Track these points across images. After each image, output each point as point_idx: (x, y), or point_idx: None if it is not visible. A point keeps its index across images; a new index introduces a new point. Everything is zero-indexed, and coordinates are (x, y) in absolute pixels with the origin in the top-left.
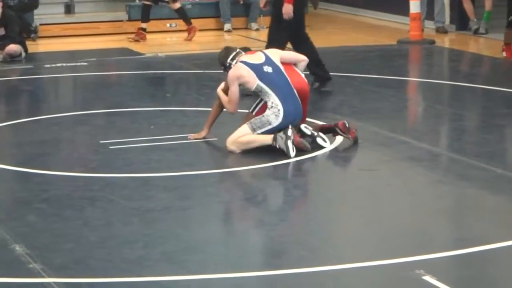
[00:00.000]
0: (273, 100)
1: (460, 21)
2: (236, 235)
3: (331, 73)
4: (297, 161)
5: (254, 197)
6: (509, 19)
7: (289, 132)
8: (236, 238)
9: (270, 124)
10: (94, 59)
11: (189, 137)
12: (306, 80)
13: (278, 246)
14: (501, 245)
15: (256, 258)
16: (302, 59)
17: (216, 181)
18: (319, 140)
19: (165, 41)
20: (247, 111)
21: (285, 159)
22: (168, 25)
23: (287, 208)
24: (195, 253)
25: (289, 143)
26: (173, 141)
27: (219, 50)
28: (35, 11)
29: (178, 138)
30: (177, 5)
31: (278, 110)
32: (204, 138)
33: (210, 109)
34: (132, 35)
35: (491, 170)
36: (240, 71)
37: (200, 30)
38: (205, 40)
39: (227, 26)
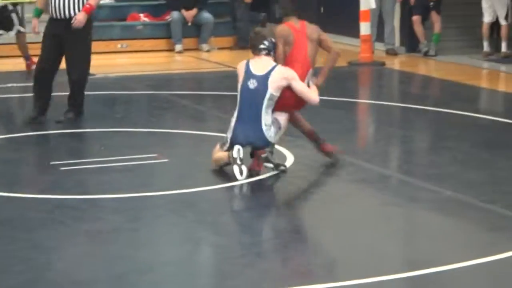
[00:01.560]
0: (235, 113)
1: (410, 43)
2: (185, 257)
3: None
4: (249, 182)
5: (204, 219)
6: None
7: (235, 154)
8: (186, 260)
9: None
10: None
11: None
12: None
13: (228, 268)
14: (451, 267)
15: (206, 280)
16: (312, 99)
17: (166, 202)
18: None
19: (116, 61)
20: None
21: (235, 181)
22: (119, 45)
23: (237, 230)
24: (146, 274)
25: (235, 167)
26: (124, 163)
27: (170, 71)
28: None
29: (129, 160)
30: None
31: (231, 125)
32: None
33: (161, 130)
34: None
35: (441, 192)
36: (242, 65)
37: (152, 51)
38: (156, 61)
39: (178, 47)
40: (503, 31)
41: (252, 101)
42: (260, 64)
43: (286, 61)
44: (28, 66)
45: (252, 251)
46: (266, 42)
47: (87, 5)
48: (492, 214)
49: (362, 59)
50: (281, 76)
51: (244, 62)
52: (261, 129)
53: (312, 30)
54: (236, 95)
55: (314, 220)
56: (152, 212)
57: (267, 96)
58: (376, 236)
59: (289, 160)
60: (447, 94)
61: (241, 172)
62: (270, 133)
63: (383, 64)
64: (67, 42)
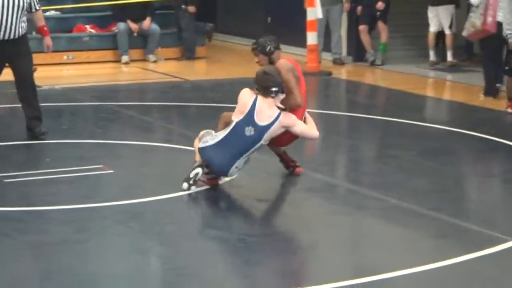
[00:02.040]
0: (217, 138)
1: (357, 52)
2: (132, 267)
3: (228, 105)
4: (195, 192)
5: (149, 230)
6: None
7: (192, 174)
8: (132, 271)
9: (206, 142)
10: None
11: None
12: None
13: (173, 278)
14: (397, 274)
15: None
16: (312, 136)
17: (113, 213)
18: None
19: (62, 73)
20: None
21: (181, 192)
22: (65, 57)
23: (182, 240)
24: (92, 286)
25: (184, 184)
26: (70, 174)
27: (116, 82)
28: None
29: (75, 171)
30: None
31: (208, 144)
32: None
33: (107, 141)
34: None
35: (387, 200)
36: (247, 93)
37: (98, 62)
38: (103, 72)
39: (124, 58)
40: (448, 41)
41: (239, 144)
42: (266, 110)
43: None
44: None
45: (198, 261)
46: (276, 86)
47: (45, 28)
48: (437, 222)
49: (309, 68)
50: (281, 126)
51: (252, 96)
52: (229, 168)
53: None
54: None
55: (260, 230)
56: (99, 223)
57: (257, 146)
58: (322, 244)
59: None
60: (393, 103)
61: (188, 189)
62: (233, 173)
63: (330, 73)
64: (16, 60)
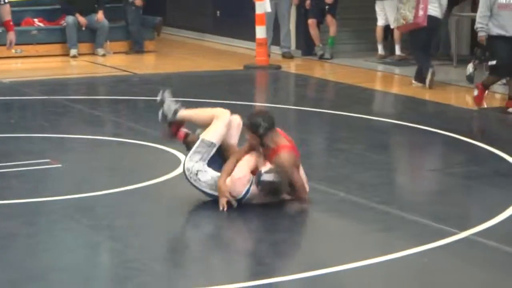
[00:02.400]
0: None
1: (306, 46)
2: (80, 262)
3: (178, 99)
4: (144, 186)
5: (98, 224)
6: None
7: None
8: (81, 265)
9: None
10: None
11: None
12: None
13: (122, 272)
14: (345, 267)
15: (99, 285)
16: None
17: (61, 207)
18: None
19: (10, 67)
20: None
21: (130, 185)
22: (13, 51)
23: (131, 234)
24: (39, 280)
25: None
26: (18, 168)
27: (65, 76)
28: None
29: (23, 165)
30: None
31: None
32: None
33: (55, 135)
34: None
35: (334, 193)
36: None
37: (47, 56)
38: (51, 66)
39: (73, 52)
40: (396, 35)
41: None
42: None
43: None
44: None
45: (147, 255)
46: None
47: (11, 23)
48: (385, 215)
49: (258, 62)
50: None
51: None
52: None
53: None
54: None
55: (212, 223)
56: (47, 217)
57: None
58: (270, 238)
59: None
60: (342, 96)
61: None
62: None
63: (279, 67)
64: None
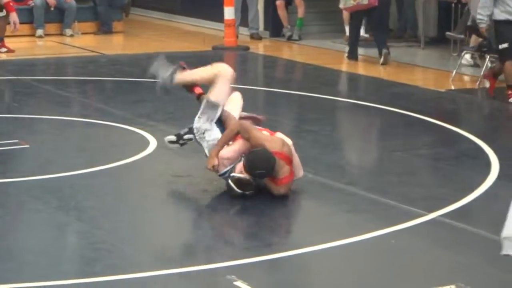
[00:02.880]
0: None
1: (274, 27)
2: (48, 243)
3: (146, 80)
4: (112, 167)
5: (66, 205)
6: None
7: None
8: (48, 246)
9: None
10: None
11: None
12: None
13: (90, 253)
14: (312, 249)
15: (67, 266)
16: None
17: (28, 188)
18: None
19: None
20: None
21: (99, 166)
22: None
23: (99, 215)
24: (7, 261)
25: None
26: None
27: (32, 57)
28: None
29: None
30: None
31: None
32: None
33: (23, 115)
34: None
35: (303, 174)
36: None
37: (14, 36)
38: (19, 46)
39: (39, 32)
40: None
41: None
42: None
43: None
44: None
45: (115, 236)
46: None
47: (11, 3)
48: (353, 196)
49: (227, 43)
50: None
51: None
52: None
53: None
54: None
55: (179, 203)
56: (14, 198)
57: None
58: (238, 219)
59: (152, 145)
60: (310, 78)
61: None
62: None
63: (247, 48)
64: None
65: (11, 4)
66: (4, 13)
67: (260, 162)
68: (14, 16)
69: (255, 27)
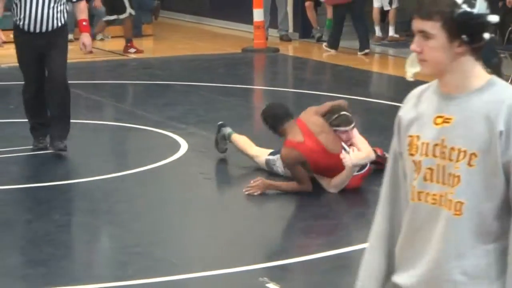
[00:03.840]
0: None
1: (303, 29)
2: (80, 248)
3: (176, 82)
4: (143, 171)
5: (98, 209)
6: None
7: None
8: (80, 251)
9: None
10: None
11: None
12: None
13: (123, 257)
14: (343, 250)
15: (100, 270)
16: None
17: (61, 193)
18: None
19: (9, 51)
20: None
21: (130, 170)
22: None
23: (131, 218)
24: (39, 266)
25: None
26: (18, 154)
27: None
28: None
29: (23, 150)
30: None
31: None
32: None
33: None
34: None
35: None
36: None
37: None
38: None
39: (69, 37)
40: (391, 16)
41: None
42: None
43: (318, 171)
44: (126, 48)
45: (146, 240)
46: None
47: (85, 23)
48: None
49: (256, 45)
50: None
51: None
52: None
53: (310, 118)
54: None
55: (208, 207)
56: (46, 203)
57: None
58: (270, 222)
59: (183, 148)
60: (340, 79)
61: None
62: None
63: (277, 50)
64: (48, 55)
65: (84, 23)
66: (127, 13)
67: (265, 112)
68: (84, 37)
69: (284, 29)
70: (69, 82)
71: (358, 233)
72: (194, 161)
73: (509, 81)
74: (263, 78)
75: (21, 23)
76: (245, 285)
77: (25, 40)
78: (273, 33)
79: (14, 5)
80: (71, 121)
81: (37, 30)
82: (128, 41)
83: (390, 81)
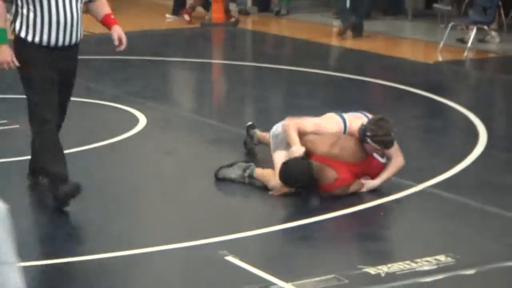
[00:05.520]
0: None
1: (262, 2)
2: (38, 223)
3: (134, 57)
4: (102, 145)
5: None
6: None
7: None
8: (39, 226)
9: None
10: None
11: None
12: None
13: (82, 232)
14: (302, 222)
15: (60, 245)
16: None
17: (19, 168)
18: None
19: None
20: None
21: (89, 145)
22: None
23: (90, 194)
24: None
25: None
26: None
27: None
28: None
29: None
30: None
31: None
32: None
33: (12, 96)
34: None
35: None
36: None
37: None
38: None
39: None
40: None
41: None
42: None
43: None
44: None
45: (105, 214)
46: None
47: (112, 15)
48: None
49: (215, 19)
50: None
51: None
52: None
53: (325, 149)
54: None
55: (168, 182)
56: (4, 178)
57: None
58: (229, 195)
59: (142, 122)
60: (298, 52)
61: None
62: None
63: (235, 24)
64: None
65: (112, 16)
66: None
67: (294, 174)
68: (117, 29)
69: (243, 2)
70: None
71: (317, 205)
72: (154, 136)
73: (465, 53)
74: (221, 52)
75: (40, 35)
76: (204, 258)
77: (47, 61)
78: (232, 7)
79: (22, 10)
80: None
81: (66, 43)
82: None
83: (347, 55)
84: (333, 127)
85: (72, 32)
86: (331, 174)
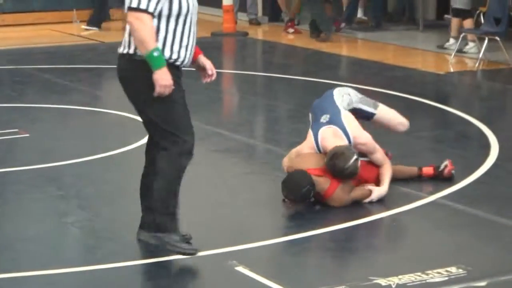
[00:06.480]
0: None
1: (273, 12)
2: (49, 232)
3: None
4: (112, 155)
5: (67, 193)
6: None
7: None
8: (49, 235)
9: None
10: None
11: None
12: None
13: (91, 241)
14: (313, 233)
15: (69, 254)
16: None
17: (29, 177)
18: None
19: None
20: None
21: (99, 154)
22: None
23: (100, 203)
24: (7, 250)
25: None
26: None
27: (32, 46)
28: None
29: None
30: None
31: None
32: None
33: (22, 104)
34: None
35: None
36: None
37: (13, 25)
38: (18, 35)
39: None
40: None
41: None
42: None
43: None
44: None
45: (115, 224)
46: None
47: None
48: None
49: (225, 29)
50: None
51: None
52: None
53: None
54: None
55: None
56: (14, 187)
57: None
58: (241, 204)
59: None
60: (309, 62)
61: None
62: None
63: (246, 34)
64: None
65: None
66: None
67: (292, 188)
68: (202, 60)
69: (253, 13)
70: (38, 66)
71: (326, 216)
72: None
73: (476, 64)
74: (232, 62)
75: (177, 55)
76: (214, 269)
77: (180, 81)
78: (243, 17)
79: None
80: (41, 106)
81: (190, 62)
82: (289, 20)
83: (358, 64)
84: (304, 149)
85: (192, 51)
86: (324, 184)
